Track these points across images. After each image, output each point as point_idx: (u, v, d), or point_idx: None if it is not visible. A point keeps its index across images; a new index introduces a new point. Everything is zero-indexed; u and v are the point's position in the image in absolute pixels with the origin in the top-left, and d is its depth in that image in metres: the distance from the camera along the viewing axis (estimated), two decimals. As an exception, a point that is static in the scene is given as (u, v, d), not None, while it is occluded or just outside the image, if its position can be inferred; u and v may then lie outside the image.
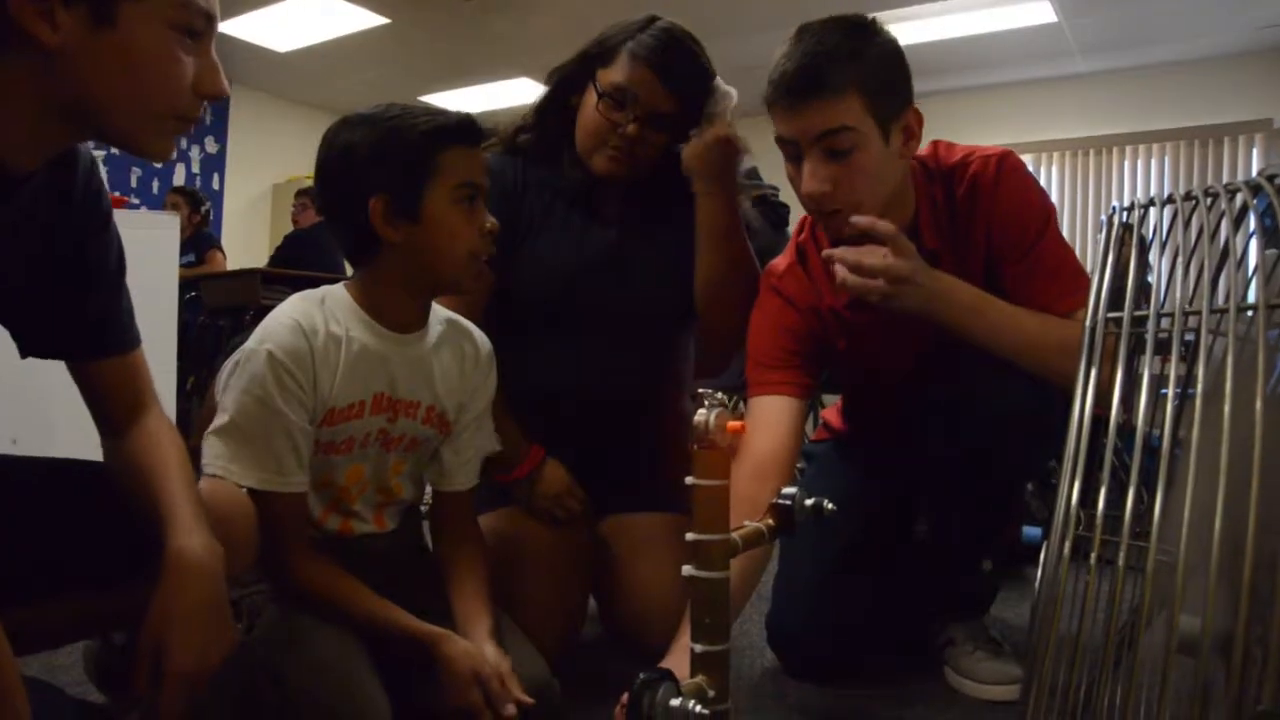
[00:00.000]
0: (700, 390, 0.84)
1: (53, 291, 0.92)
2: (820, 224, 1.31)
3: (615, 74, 1.37)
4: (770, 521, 0.97)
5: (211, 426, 1.07)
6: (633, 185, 1.45)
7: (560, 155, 1.44)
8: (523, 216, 1.42)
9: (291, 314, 1.09)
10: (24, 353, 0.97)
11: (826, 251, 1.22)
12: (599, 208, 1.46)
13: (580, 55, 1.43)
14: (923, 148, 1.34)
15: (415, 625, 1.04)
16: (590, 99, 1.39)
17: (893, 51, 1.21)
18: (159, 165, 5.79)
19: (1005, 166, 1.28)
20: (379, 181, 1.08)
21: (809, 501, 0.97)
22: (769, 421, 1.32)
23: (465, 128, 1.12)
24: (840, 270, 1.19)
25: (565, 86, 1.45)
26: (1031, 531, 2.15)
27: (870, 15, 1.23)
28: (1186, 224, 0.94)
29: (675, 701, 0.77)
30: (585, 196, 1.45)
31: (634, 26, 1.40)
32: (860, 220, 1.17)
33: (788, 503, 0.97)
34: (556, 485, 1.41)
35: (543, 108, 1.47)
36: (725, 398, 0.84)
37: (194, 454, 1.04)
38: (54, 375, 0.99)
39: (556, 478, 1.41)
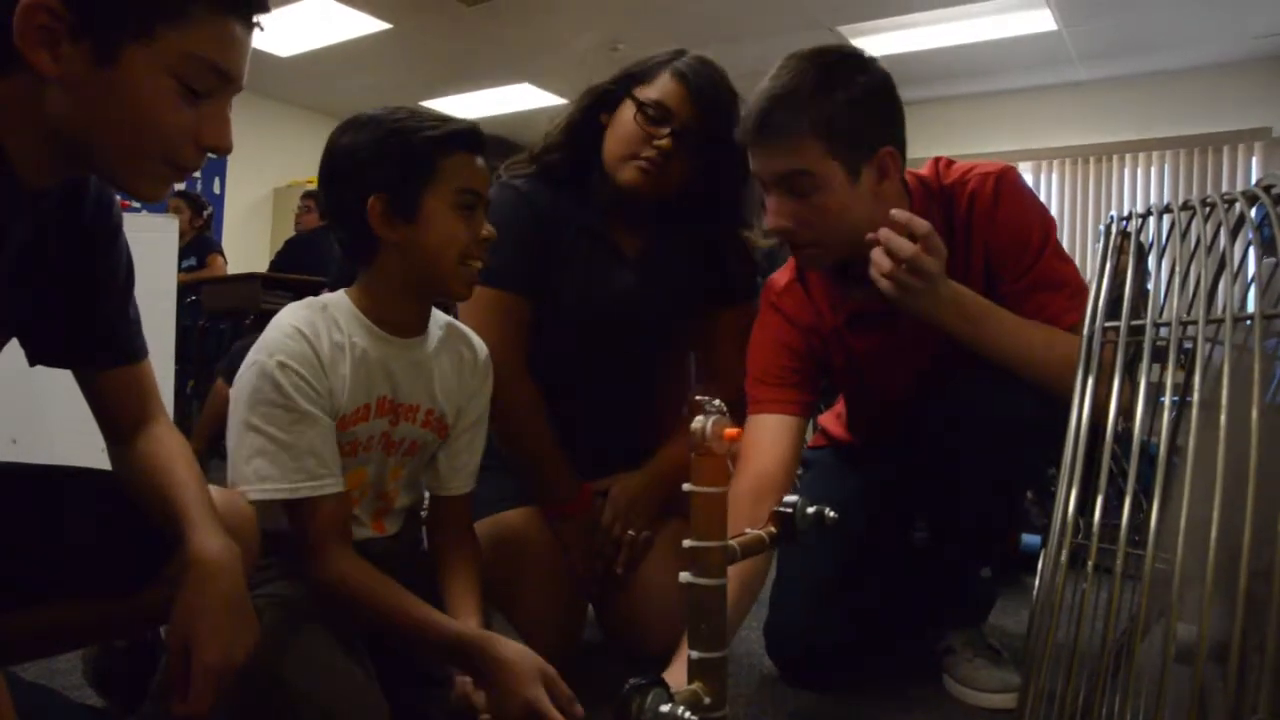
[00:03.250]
0: (698, 398, 0.84)
1: (61, 301, 0.93)
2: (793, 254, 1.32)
3: (654, 91, 1.39)
4: (771, 529, 0.97)
5: (236, 449, 1.06)
6: (654, 220, 1.47)
7: (587, 175, 1.45)
8: (553, 247, 1.44)
9: (292, 322, 1.09)
10: (32, 361, 0.98)
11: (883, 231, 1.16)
12: (621, 244, 1.48)
13: (618, 76, 1.45)
14: (923, 165, 1.35)
15: (460, 629, 1.04)
16: (625, 113, 1.40)
17: (868, 93, 1.20)
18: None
19: (1003, 184, 1.28)
20: (379, 180, 1.09)
21: (810, 510, 0.97)
22: (768, 441, 1.31)
23: (470, 136, 1.13)
24: (876, 251, 1.16)
25: (599, 103, 1.46)
26: (1030, 539, 2.16)
27: (859, 48, 1.24)
28: (1184, 234, 0.94)
29: (665, 707, 0.77)
30: (609, 235, 1.47)
31: (668, 54, 1.43)
32: (899, 214, 1.16)
33: (789, 511, 0.97)
34: (588, 541, 1.43)
35: (574, 122, 1.48)
36: (722, 405, 0.84)
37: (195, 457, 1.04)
38: (53, 376, 1.00)
39: (590, 536, 1.43)
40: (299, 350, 1.07)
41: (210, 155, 0.85)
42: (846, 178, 1.19)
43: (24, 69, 0.74)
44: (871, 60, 1.24)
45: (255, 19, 0.83)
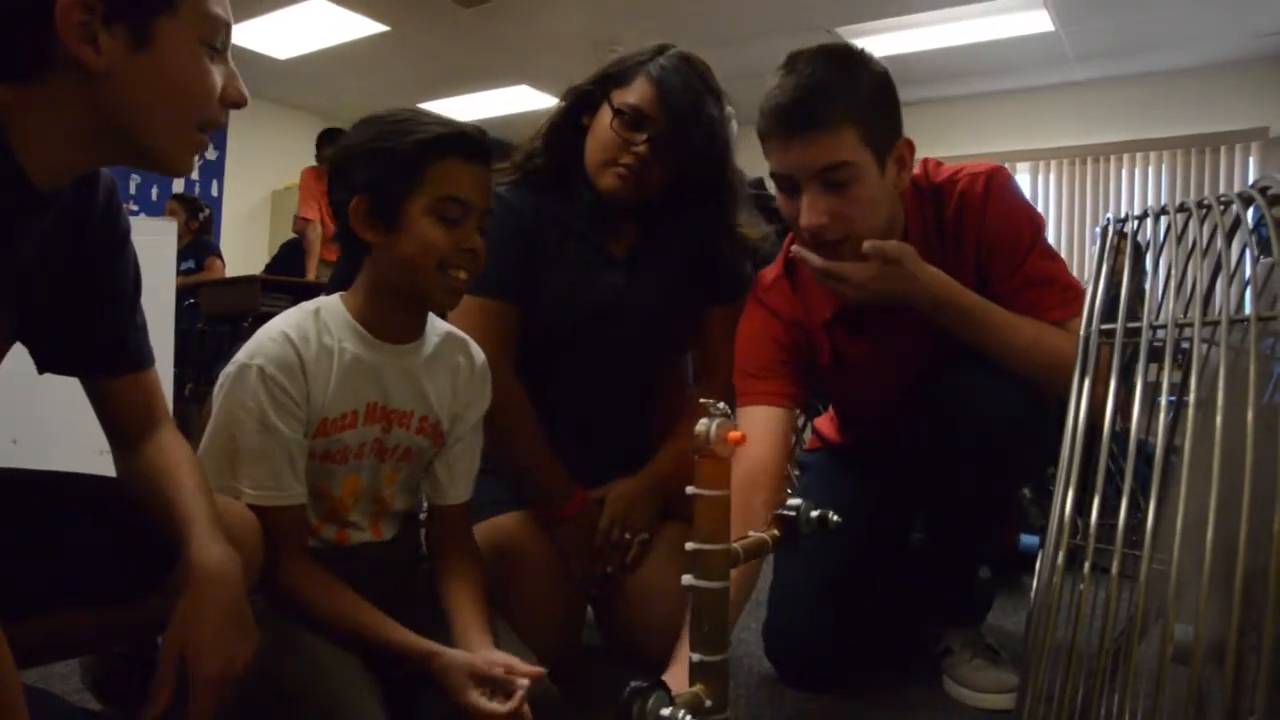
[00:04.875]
0: (702, 400, 0.85)
1: (70, 309, 0.93)
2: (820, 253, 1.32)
3: (631, 95, 1.38)
4: (775, 532, 0.97)
5: (205, 443, 1.07)
6: (640, 220, 1.47)
7: (571, 180, 1.45)
8: (539, 253, 1.43)
9: (282, 326, 1.09)
10: (41, 368, 0.98)
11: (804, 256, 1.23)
12: (608, 246, 1.47)
13: (597, 77, 1.44)
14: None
15: (408, 640, 1.04)
16: (604, 118, 1.40)
17: (884, 83, 1.22)
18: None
19: (993, 184, 1.28)
20: (363, 182, 1.08)
21: (815, 513, 0.97)
22: (758, 432, 1.32)
23: (465, 142, 1.09)
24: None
25: (579, 106, 1.45)
26: (1029, 539, 2.16)
27: (860, 45, 1.24)
28: (1180, 237, 0.95)
29: (666, 710, 0.77)
30: (595, 237, 1.46)
31: (649, 52, 1.41)
32: (867, 246, 1.18)
33: (792, 514, 0.97)
34: (585, 543, 1.43)
35: (555, 126, 1.47)
36: (726, 408, 0.84)
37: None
38: (54, 377, 1.00)
39: (587, 538, 1.43)
40: (281, 355, 1.06)
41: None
42: (877, 168, 1.20)
43: (55, 72, 0.75)
44: (871, 55, 1.24)
45: None
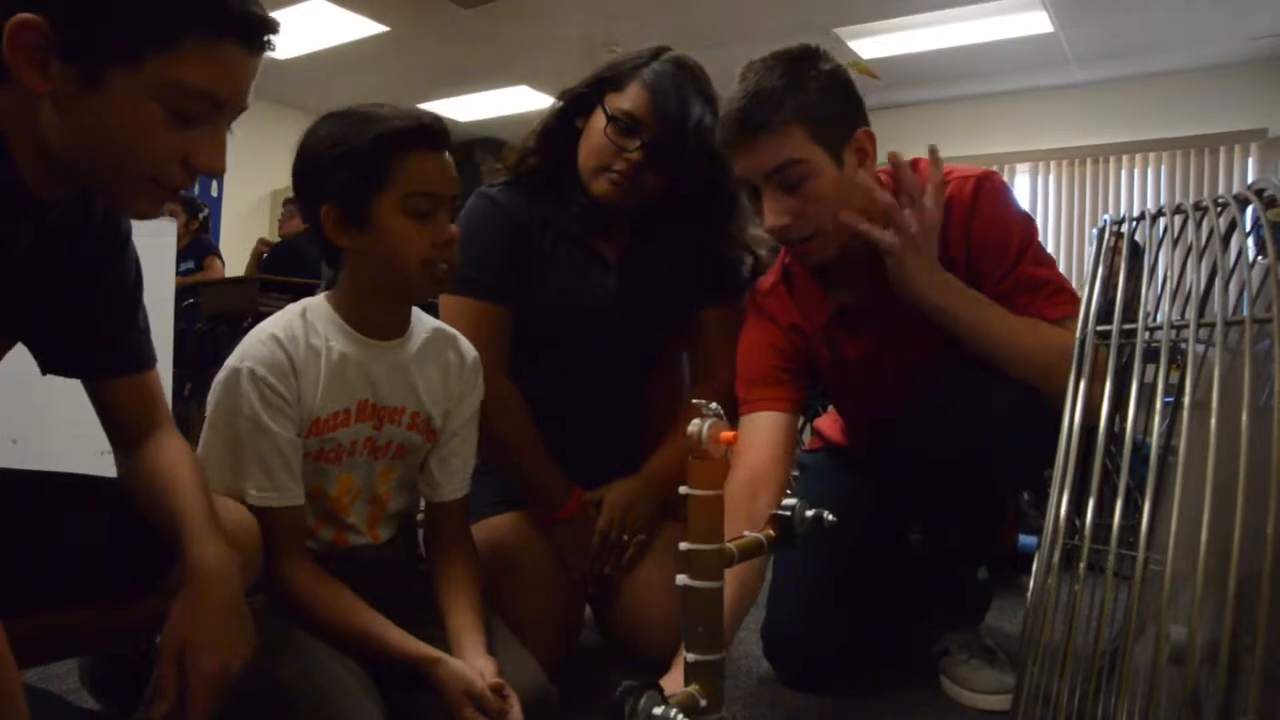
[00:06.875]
0: (695, 400, 0.85)
1: (70, 309, 0.94)
2: (792, 254, 1.33)
3: (625, 101, 1.37)
4: (770, 532, 0.97)
5: (201, 448, 1.07)
6: (634, 222, 1.47)
7: (564, 181, 1.44)
8: (531, 254, 1.43)
9: (270, 328, 1.10)
10: (44, 370, 0.98)
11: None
12: (601, 249, 1.47)
13: (591, 79, 1.43)
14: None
15: (409, 646, 1.04)
16: (597, 122, 1.39)
17: (834, 79, 1.23)
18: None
19: (984, 188, 1.28)
20: (331, 189, 1.08)
21: (809, 513, 0.97)
22: (759, 437, 1.32)
23: (425, 133, 1.09)
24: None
25: (573, 108, 1.44)
26: (1028, 540, 2.16)
27: (815, 44, 1.25)
28: (1176, 239, 0.95)
29: (658, 710, 0.77)
30: (588, 239, 1.46)
31: (645, 56, 1.41)
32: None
33: (788, 514, 0.97)
34: (582, 545, 1.42)
35: (549, 128, 1.47)
36: (719, 408, 0.84)
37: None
38: (54, 377, 1.00)
39: (585, 539, 1.42)
40: (270, 356, 1.07)
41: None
42: (832, 163, 1.21)
43: (7, 87, 0.75)
44: (826, 52, 1.26)
45: (266, 38, 0.83)
